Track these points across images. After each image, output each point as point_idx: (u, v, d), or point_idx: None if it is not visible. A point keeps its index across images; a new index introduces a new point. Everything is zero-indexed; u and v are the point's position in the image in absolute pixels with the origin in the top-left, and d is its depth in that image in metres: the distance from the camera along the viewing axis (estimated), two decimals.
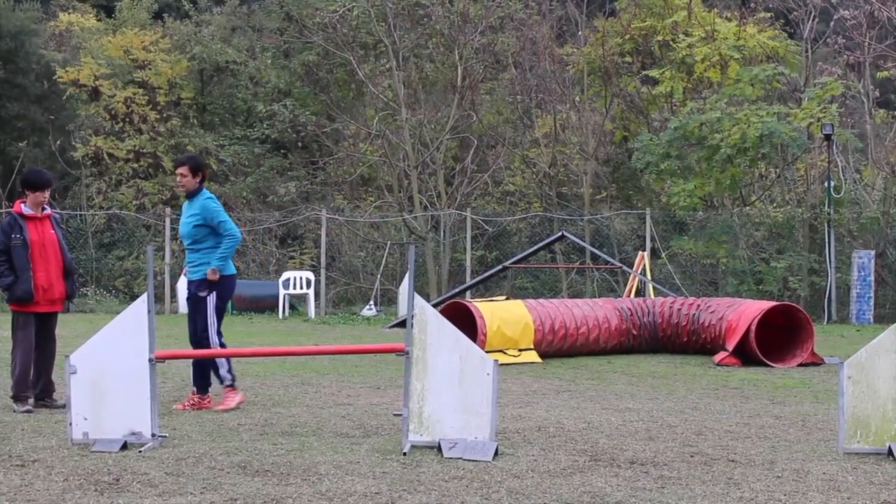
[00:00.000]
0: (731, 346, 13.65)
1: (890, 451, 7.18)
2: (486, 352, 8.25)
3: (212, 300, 9.40)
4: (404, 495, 5.99)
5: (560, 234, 20.98)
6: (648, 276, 20.62)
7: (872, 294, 22.41)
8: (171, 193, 30.42)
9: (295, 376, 11.83)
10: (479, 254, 26.87)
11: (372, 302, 24.52)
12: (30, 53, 32.11)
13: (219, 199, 9.86)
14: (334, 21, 28.36)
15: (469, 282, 21.93)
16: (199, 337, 9.43)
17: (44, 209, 9.65)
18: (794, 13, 27.56)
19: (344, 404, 9.66)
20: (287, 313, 23.02)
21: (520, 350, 13.76)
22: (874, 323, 21.90)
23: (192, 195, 9.52)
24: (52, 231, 9.65)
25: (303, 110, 29.96)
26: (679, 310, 15.11)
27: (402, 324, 14.63)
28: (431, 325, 7.39)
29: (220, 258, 9.36)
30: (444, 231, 27.08)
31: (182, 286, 23.85)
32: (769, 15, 28.35)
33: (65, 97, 31.60)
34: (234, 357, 13.12)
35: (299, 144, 31.88)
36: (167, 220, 25.20)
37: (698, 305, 15.02)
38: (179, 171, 9.62)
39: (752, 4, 28.78)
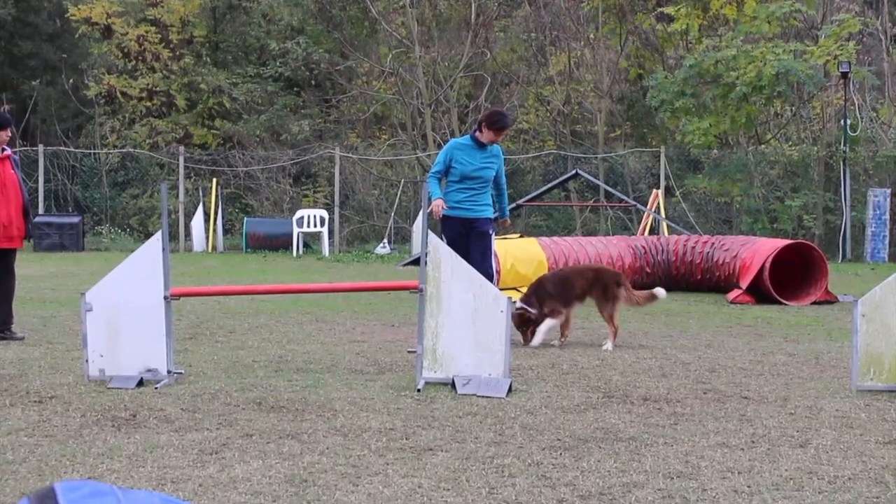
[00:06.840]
0: (744, 283, 13.64)
1: None
2: (500, 289, 8.24)
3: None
4: (418, 431, 6.03)
5: (574, 172, 20.91)
6: (662, 215, 20.57)
7: (887, 233, 22.34)
8: (184, 132, 30.40)
9: (309, 314, 11.88)
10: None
11: (386, 240, 24.55)
12: None
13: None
14: None
15: None
16: (489, 269, 9.71)
17: (3, 150, 9.75)
18: None
19: (358, 341, 9.71)
20: (301, 251, 23.06)
21: None
22: (889, 261, 21.87)
23: (486, 144, 10.04)
24: (12, 171, 9.84)
25: (316, 48, 29.79)
26: (693, 248, 15.08)
27: (416, 262, 14.65)
28: (445, 262, 7.40)
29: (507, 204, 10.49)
30: None
31: (196, 224, 23.93)
32: None
33: (77, 35, 31.51)
34: (249, 294, 13.22)
35: (312, 82, 31.75)
36: (181, 159, 25.18)
37: (712, 244, 15.00)
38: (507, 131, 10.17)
39: None
